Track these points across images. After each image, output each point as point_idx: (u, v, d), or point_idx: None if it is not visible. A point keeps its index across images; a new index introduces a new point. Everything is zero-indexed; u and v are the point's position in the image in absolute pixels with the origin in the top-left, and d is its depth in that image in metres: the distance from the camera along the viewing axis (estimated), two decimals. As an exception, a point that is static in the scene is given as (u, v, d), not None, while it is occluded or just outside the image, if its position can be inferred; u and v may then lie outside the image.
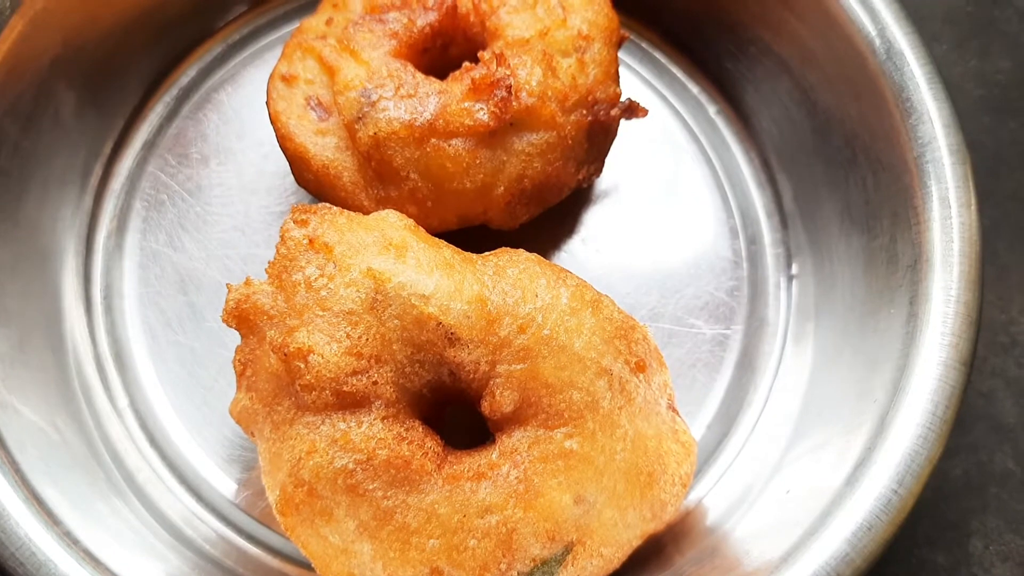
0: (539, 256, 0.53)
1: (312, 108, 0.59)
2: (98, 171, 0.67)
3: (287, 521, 0.48)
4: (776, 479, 0.56)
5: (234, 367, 0.51)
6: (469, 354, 0.49)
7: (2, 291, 0.58)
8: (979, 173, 0.54)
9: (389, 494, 0.47)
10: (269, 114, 0.60)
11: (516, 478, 0.48)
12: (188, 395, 0.61)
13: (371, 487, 0.47)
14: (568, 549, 0.47)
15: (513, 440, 0.49)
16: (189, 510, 0.58)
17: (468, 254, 0.53)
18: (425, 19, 0.60)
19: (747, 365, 0.63)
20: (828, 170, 0.63)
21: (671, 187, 0.68)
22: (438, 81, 0.58)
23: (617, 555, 0.49)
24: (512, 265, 0.51)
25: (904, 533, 0.47)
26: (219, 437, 0.60)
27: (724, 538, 0.55)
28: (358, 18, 0.60)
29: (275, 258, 0.51)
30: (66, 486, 0.52)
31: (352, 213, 0.52)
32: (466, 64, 0.58)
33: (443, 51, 0.62)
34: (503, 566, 0.47)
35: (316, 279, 0.49)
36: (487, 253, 0.53)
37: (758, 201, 0.68)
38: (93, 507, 0.52)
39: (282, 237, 0.51)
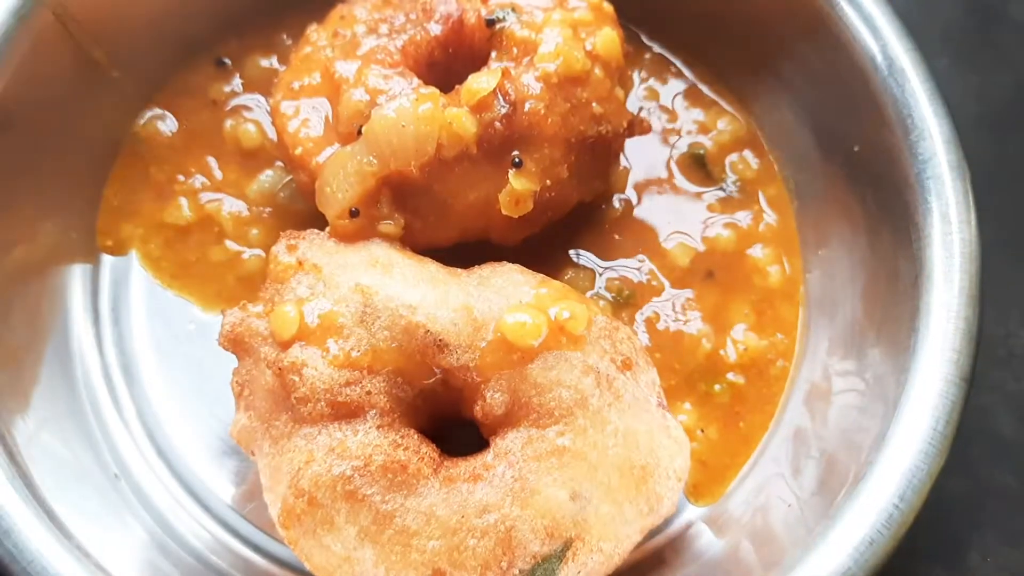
0: (521, 266, 0.55)
1: (317, 119, 0.59)
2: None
3: (290, 534, 0.49)
4: (778, 492, 0.56)
5: (232, 389, 0.52)
6: (458, 359, 0.50)
7: (10, 304, 0.58)
8: (977, 188, 0.55)
9: (388, 498, 0.48)
10: (274, 125, 0.60)
11: (512, 477, 0.49)
12: (195, 407, 0.61)
13: (369, 492, 0.48)
14: (567, 545, 0.48)
15: (507, 441, 0.50)
16: (196, 521, 0.58)
17: (454, 269, 0.55)
18: (431, 32, 0.60)
19: (749, 377, 0.63)
20: (829, 185, 0.63)
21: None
22: (442, 95, 0.58)
23: (617, 550, 0.49)
24: (496, 275, 0.54)
25: (903, 546, 0.48)
26: (226, 448, 0.60)
27: (724, 552, 0.55)
28: (364, 31, 0.60)
29: (267, 283, 0.53)
30: (76, 499, 0.52)
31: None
32: (471, 77, 0.58)
33: (448, 64, 0.62)
34: (504, 564, 0.47)
35: (307, 297, 0.51)
36: (472, 268, 0.55)
37: (759, 215, 0.68)
38: (102, 520, 0.52)
39: (272, 263, 0.53)
